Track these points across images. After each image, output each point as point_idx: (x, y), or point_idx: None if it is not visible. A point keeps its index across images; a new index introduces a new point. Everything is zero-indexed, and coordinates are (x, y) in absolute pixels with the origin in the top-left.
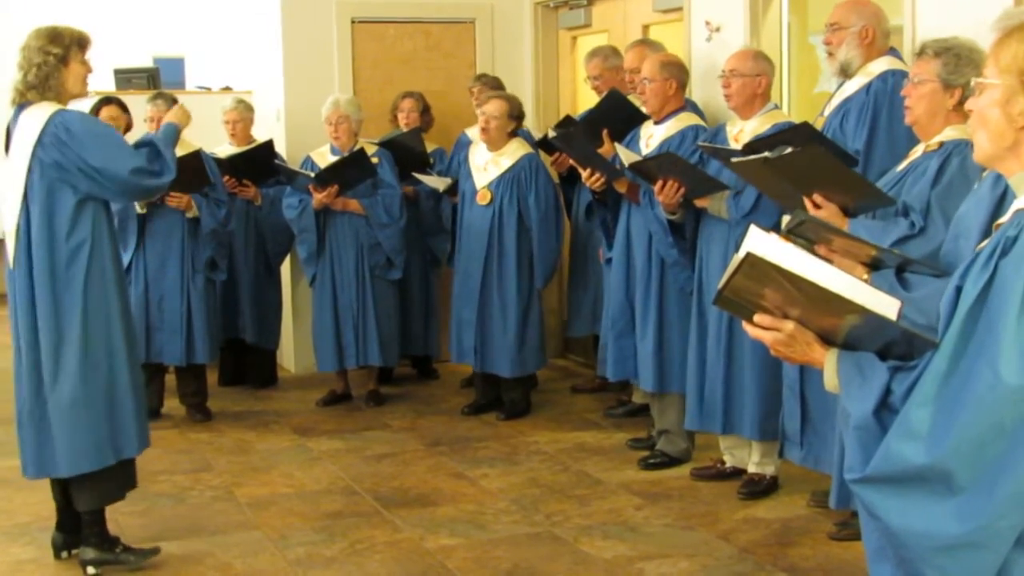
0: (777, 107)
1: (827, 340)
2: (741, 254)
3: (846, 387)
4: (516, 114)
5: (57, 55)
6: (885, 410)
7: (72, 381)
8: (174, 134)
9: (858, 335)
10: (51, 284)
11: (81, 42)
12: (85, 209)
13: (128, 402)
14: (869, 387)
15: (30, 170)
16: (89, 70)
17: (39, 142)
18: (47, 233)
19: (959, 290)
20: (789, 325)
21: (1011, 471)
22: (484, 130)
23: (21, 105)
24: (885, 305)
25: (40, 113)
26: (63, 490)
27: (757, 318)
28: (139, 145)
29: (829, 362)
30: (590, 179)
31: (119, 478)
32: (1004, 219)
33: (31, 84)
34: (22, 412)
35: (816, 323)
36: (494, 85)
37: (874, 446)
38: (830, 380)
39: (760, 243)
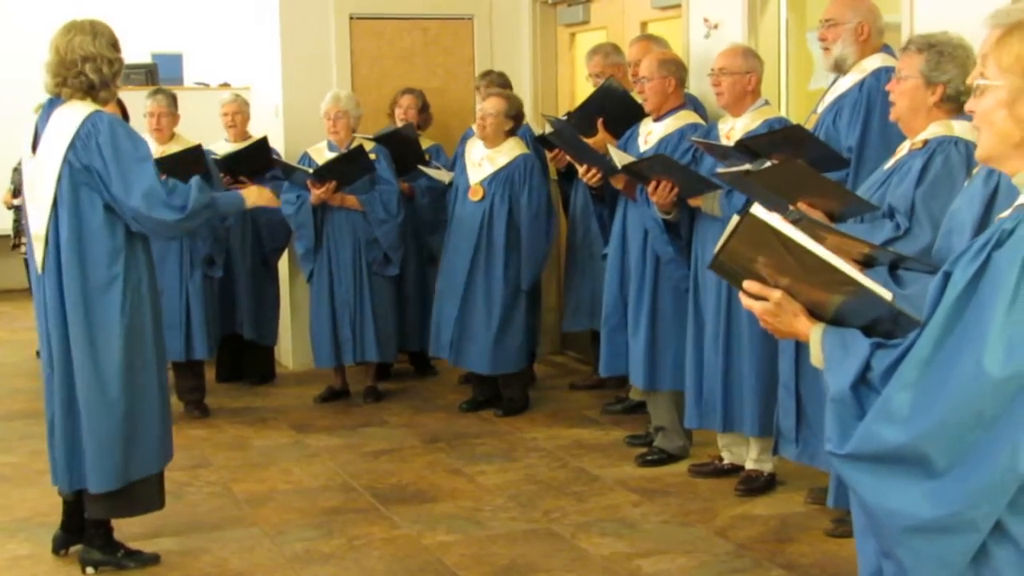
0: (768, 103)
1: (816, 315)
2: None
3: (829, 361)
4: (514, 113)
5: (122, 60)
6: (863, 385)
7: (109, 395)
8: (233, 202)
9: (846, 311)
10: (83, 294)
11: None
12: (115, 217)
13: (158, 416)
14: (849, 361)
15: (61, 175)
16: None
17: (72, 145)
18: (78, 239)
19: (948, 276)
20: (777, 293)
21: (988, 461)
22: (481, 127)
23: (51, 102)
24: (877, 288)
25: (75, 113)
26: (77, 494)
27: (746, 284)
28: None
29: (815, 336)
30: (586, 175)
31: (137, 494)
32: (1006, 212)
33: (105, 80)
34: (53, 423)
35: (806, 295)
36: (501, 83)
37: (850, 420)
38: (815, 355)
39: (761, 210)
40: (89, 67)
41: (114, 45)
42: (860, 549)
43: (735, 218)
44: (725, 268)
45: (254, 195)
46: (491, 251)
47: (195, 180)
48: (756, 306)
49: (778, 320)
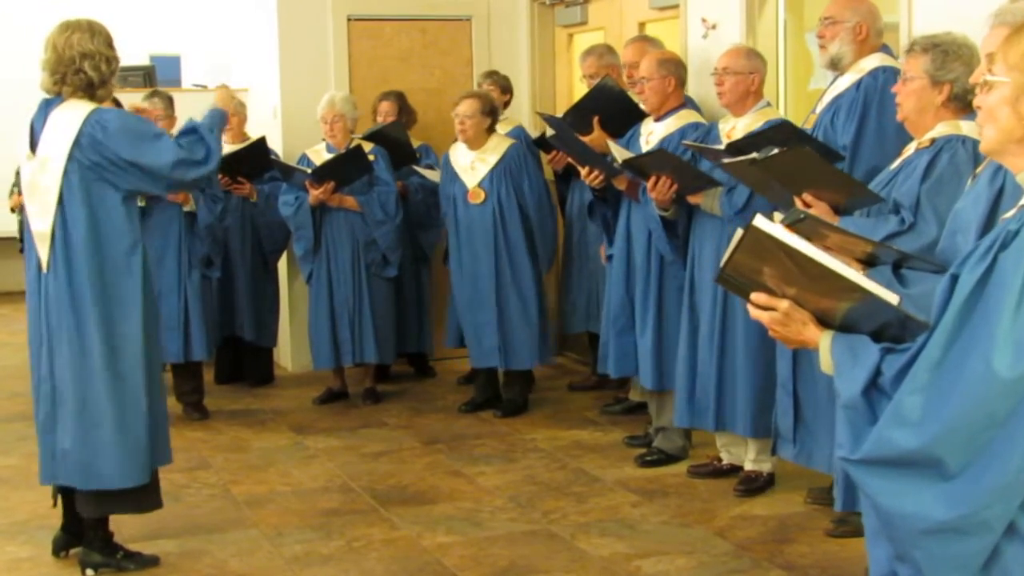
0: (770, 104)
1: (824, 322)
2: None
3: (839, 368)
4: (489, 109)
5: (118, 59)
6: (874, 390)
7: (128, 390)
8: (220, 120)
9: (855, 317)
10: (100, 291)
11: None
12: (132, 207)
13: (164, 411)
14: (860, 367)
15: (67, 172)
16: None
17: (76, 143)
18: (92, 237)
19: (955, 278)
20: (784, 303)
21: (1000, 461)
22: (462, 132)
23: (48, 101)
24: (883, 294)
25: (75, 112)
26: (70, 494)
27: (754, 296)
28: (183, 132)
29: (824, 344)
30: (588, 176)
31: (138, 491)
32: (1010, 213)
33: (103, 78)
34: (52, 420)
35: (813, 303)
36: (503, 84)
37: (862, 425)
38: (825, 362)
39: (764, 222)
40: (88, 64)
41: (110, 44)
42: (871, 554)
43: (739, 232)
44: (731, 281)
45: (221, 101)
46: (511, 248)
47: (195, 129)
48: (764, 316)
49: (787, 329)
